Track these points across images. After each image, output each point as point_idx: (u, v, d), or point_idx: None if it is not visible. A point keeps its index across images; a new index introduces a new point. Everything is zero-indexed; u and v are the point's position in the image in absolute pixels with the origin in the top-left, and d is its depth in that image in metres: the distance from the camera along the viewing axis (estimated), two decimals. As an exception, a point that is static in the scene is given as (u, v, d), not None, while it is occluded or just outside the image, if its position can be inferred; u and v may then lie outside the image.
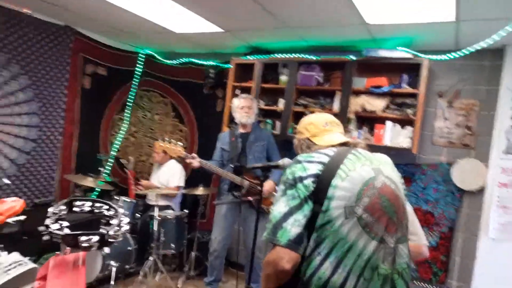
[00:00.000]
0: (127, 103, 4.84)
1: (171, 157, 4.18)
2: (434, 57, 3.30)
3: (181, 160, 3.83)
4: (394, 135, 3.42)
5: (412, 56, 3.32)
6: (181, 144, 3.26)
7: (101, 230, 0.94)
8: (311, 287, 1.20)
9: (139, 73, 4.85)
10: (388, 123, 3.41)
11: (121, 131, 4.79)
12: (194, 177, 4.31)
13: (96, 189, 4.02)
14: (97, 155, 4.34)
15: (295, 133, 1.65)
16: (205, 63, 4.58)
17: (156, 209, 3.52)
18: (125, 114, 4.83)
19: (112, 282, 3.25)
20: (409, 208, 1.62)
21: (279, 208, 1.25)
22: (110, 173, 4.56)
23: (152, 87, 5.00)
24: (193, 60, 4.65)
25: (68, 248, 0.99)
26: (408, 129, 3.37)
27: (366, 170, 1.30)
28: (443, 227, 3.47)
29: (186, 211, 4.01)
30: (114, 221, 0.91)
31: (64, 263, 0.89)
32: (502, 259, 3.13)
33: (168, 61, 4.85)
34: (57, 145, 4.01)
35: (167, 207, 4.04)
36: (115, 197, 3.64)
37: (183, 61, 4.75)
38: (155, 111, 5.03)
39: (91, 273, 3.30)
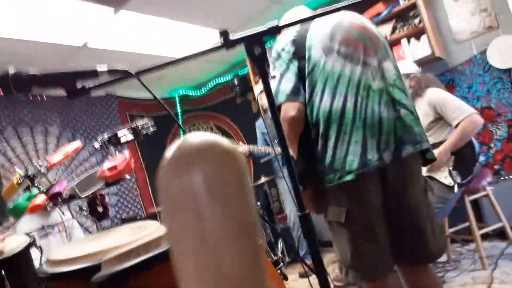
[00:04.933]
0: (180, 141, 5.41)
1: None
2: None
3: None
4: (413, 49, 3.44)
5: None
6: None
7: (132, 126, 1.26)
8: (320, 123, 1.36)
9: (181, 113, 5.43)
10: (403, 41, 3.45)
11: (183, 166, 5.32)
12: (255, 171, 4.60)
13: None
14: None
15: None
16: (228, 78, 5.03)
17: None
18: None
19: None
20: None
21: (274, 81, 1.47)
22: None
23: (195, 120, 5.52)
24: (218, 81, 5.14)
25: (114, 148, 1.31)
26: (424, 37, 3.38)
27: (332, 18, 1.48)
28: (507, 114, 3.30)
29: (258, 203, 4.24)
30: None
31: (115, 156, 1.20)
32: None
33: (198, 94, 5.40)
34: (135, 192, 4.58)
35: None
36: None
37: (210, 86, 5.26)
38: (205, 139, 5.51)
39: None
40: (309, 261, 3.64)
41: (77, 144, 1.53)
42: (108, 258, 0.78)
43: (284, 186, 3.63)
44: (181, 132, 5.36)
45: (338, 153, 1.33)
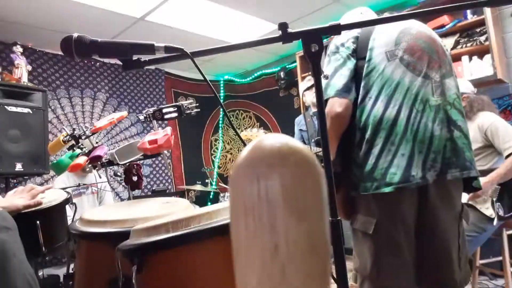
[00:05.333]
0: (219, 125, 5.49)
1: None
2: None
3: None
4: (474, 68, 3.25)
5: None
6: (262, 130, 3.58)
7: (177, 104, 1.27)
8: (368, 128, 1.31)
9: (223, 97, 5.48)
10: (464, 58, 3.28)
11: (218, 150, 5.40)
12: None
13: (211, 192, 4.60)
14: (202, 169, 4.95)
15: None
16: (274, 69, 5.01)
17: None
18: (219, 135, 5.47)
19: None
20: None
21: (326, 73, 1.42)
22: (216, 182, 5.16)
23: (236, 107, 5.56)
24: (264, 71, 5.13)
25: (157, 122, 1.34)
26: (487, 57, 3.19)
27: (400, 24, 1.41)
28: None
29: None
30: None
31: (156, 131, 1.22)
32: None
33: (244, 80, 5.41)
34: (168, 167, 4.70)
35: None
36: (222, 197, 4.08)
37: (256, 75, 5.26)
38: (243, 127, 5.54)
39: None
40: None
41: (123, 113, 1.58)
42: (138, 228, 0.79)
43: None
44: (221, 113, 5.43)
45: (381, 162, 1.28)
